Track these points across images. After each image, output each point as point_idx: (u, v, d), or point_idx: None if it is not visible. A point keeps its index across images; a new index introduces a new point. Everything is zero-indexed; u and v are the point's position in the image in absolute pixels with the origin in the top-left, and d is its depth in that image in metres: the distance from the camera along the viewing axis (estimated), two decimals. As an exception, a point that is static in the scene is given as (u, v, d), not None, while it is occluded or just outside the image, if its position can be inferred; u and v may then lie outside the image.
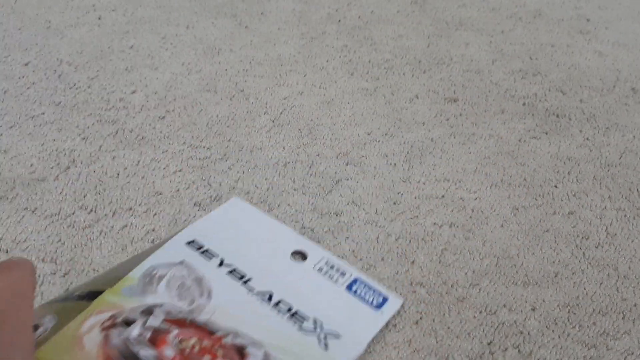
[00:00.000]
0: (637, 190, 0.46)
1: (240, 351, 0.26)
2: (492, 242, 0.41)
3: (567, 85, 0.60)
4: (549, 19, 0.73)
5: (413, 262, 0.39)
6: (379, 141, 0.50)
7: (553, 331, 0.35)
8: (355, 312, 0.33)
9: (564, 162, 0.49)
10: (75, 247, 0.38)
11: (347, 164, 0.47)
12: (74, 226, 0.40)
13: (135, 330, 0.25)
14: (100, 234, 0.39)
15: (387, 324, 0.34)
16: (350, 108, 0.54)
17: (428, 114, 0.54)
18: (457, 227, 0.42)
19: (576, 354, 0.33)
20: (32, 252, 0.37)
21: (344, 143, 0.50)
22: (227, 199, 0.43)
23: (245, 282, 0.32)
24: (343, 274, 0.35)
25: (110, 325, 0.25)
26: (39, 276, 0.36)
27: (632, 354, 0.34)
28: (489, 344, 0.34)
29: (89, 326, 0.25)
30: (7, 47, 0.60)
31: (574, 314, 0.36)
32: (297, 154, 0.48)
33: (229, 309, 0.29)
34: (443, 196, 0.44)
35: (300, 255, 0.37)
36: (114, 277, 0.31)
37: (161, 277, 0.30)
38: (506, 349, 0.33)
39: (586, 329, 0.35)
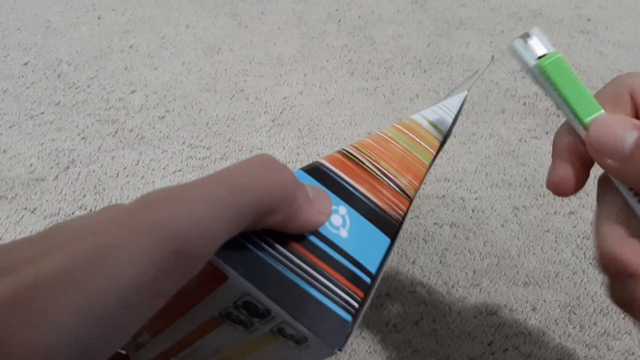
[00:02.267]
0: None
1: None
2: (492, 242, 0.40)
3: (568, 84, 0.60)
4: (550, 19, 0.73)
5: (414, 262, 0.38)
6: (379, 141, 0.50)
7: (554, 331, 0.35)
8: None
9: (565, 162, 0.49)
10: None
11: (347, 164, 0.47)
12: (73, 226, 0.40)
13: None
14: (100, 234, 0.39)
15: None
16: (350, 108, 0.54)
17: (428, 114, 0.54)
18: (458, 227, 0.41)
19: (577, 354, 0.33)
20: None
21: (344, 143, 0.49)
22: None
23: None
24: None
25: None
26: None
27: (633, 354, 0.33)
28: (489, 344, 0.34)
29: None
30: (6, 47, 0.60)
31: (575, 314, 0.36)
32: (297, 154, 0.48)
33: None
34: (444, 196, 0.44)
35: None
36: None
37: None
38: (506, 350, 0.33)
39: (587, 329, 0.35)
